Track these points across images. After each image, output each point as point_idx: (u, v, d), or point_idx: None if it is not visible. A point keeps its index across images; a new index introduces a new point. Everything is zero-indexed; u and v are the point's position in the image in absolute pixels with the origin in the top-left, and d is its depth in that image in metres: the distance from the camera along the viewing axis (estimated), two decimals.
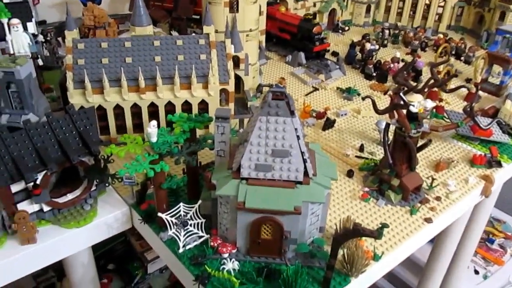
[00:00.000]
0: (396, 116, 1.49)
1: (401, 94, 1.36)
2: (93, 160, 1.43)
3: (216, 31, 2.04)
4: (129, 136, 1.35)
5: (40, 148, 1.31)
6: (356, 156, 1.82)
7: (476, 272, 3.33)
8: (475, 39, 3.34)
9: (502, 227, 3.70)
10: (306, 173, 1.26)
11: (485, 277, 3.30)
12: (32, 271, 1.44)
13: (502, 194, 2.75)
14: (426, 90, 1.49)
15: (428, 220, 1.52)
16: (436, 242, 2.62)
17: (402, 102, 1.37)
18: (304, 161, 1.23)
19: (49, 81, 2.08)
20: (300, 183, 1.25)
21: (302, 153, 1.23)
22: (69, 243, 1.45)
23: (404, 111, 1.44)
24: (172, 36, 1.80)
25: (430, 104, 1.47)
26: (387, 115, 1.55)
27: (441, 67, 2.30)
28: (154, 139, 1.28)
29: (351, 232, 1.17)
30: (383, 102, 2.25)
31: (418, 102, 1.46)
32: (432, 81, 1.46)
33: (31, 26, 1.82)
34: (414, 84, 1.46)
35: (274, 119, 1.21)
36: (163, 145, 1.28)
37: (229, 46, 1.86)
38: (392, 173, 1.58)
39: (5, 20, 1.74)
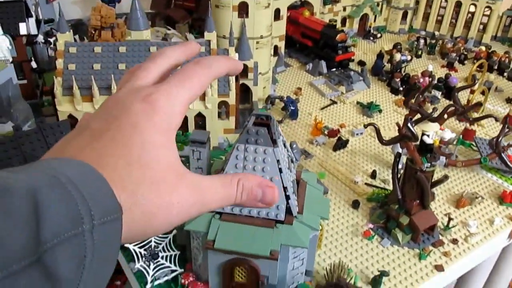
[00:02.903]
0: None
1: (409, 124, 1.16)
2: None
3: (224, 37, 1.90)
4: None
5: (3, 166, 1.20)
6: (366, 184, 1.63)
7: None
8: None
9: None
10: (289, 211, 1.09)
11: None
12: None
13: None
14: (445, 117, 1.28)
15: (438, 268, 1.32)
16: (460, 277, 2.37)
17: (410, 134, 1.17)
18: (287, 197, 1.06)
19: (50, 83, 1.99)
20: (281, 222, 1.08)
21: (285, 188, 1.06)
22: None
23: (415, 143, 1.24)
24: (170, 42, 1.67)
25: (448, 135, 1.26)
26: None
27: (475, 86, 2.05)
28: None
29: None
30: None
31: (434, 132, 1.25)
32: (452, 108, 1.25)
33: (23, 27, 1.74)
34: (432, 108, 1.26)
35: (253, 148, 1.04)
36: None
37: (232, 54, 1.70)
38: (401, 209, 1.38)
39: None
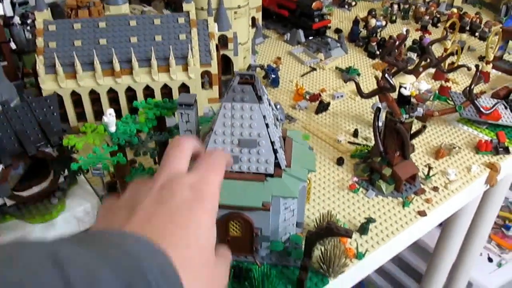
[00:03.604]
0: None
1: (386, 75, 1.21)
2: (56, 151, 1.34)
3: (202, 9, 1.92)
4: (91, 126, 1.25)
5: None
6: (349, 142, 1.69)
7: (490, 260, 3.17)
8: (494, 13, 3.12)
9: None
10: (278, 165, 1.14)
11: (499, 265, 3.14)
12: None
13: None
14: (421, 70, 1.34)
15: (421, 213, 1.39)
16: (443, 228, 2.49)
17: (388, 85, 1.22)
18: (275, 151, 1.11)
19: (30, 65, 1.99)
20: (271, 175, 1.13)
21: (272, 142, 1.11)
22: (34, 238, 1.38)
23: (394, 95, 1.30)
24: (150, 15, 1.69)
25: (424, 86, 1.32)
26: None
27: (448, 44, 2.12)
28: (112, 128, 1.17)
29: (324, 231, 1.06)
30: None
31: (410, 84, 1.31)
32: (427, 60, 1.31)
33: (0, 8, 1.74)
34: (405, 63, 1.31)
35: (240, 106, 1.09)
36: (122, 134, 1.18)
37: (212, 24, 1.73)
38: (383, 161, 1.45)
39: None
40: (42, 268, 0.36)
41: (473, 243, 2.70)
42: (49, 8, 1.68)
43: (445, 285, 2.86)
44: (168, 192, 0.52)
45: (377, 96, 1.41)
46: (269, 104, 1.18)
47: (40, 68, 1.59)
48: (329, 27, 2.61)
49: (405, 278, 3.50)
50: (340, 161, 1.57)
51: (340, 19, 2.92)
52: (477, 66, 1.28)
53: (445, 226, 2.44)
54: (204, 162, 0.59)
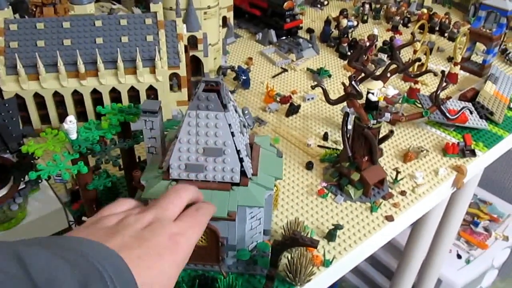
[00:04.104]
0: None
1: (353, 82, 1.21)
2: (16, 157, 1.29)
3: (170, 9, 1.88)
4: (52, 131, 1.21)
5: None
6: (319, 146, 1.69)
7: (459, 256, 3.24)
8: (463, 13, 3.16)
9: (488, 209, 3.60)
10: (244, 173, 1.12)
11: (467, 261, 3.21)
12: None
13: (489, 175, 2.64)
14: (388, 75, 1.34)
15: (389, 218, 1.40)
16: (414, 227, 2.52)
17: (355, 92, 1.22)
18: (241, 160, 1.10)
19: None
20: (237, 184, 1.12)
21: (238, 151, 1.09)
22: None
23: (362, 100, 1.30)
24: (116, 15, 1.65)
25: (392, 91, 1.32)
26: None
27: (418, 46, 2.14)
28: (73, 136, 1.13)
29: (290, 241, 1.05)
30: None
31: (378, 90, 1.31)
32: (393, 66, 1.31)
33: None
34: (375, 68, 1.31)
35: (205, 114, 1.06)
36: (84, 142, 1.14)
37: (180, 25, 1.69)
38: (352, 166, 1.45)
39: None
40: (4, 262, 0.41)
41: (443, 240, 2.75)
42: (10, 7, 1.62)
43: (416, 282, 2.91)
44: (150, 233, 0.59)
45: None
46: (236, 111, 1.16)
47: (1, 69, 1.54)
48: (301, 27, 2.60)
49: (377, 276, 3.56)
50: (309, 166, 1.57)
51: (312, 19, 2.91)
52: (442, 72, 1.29)
53: (415, 225, 2.48)
54: (190, 217, 0.68)
